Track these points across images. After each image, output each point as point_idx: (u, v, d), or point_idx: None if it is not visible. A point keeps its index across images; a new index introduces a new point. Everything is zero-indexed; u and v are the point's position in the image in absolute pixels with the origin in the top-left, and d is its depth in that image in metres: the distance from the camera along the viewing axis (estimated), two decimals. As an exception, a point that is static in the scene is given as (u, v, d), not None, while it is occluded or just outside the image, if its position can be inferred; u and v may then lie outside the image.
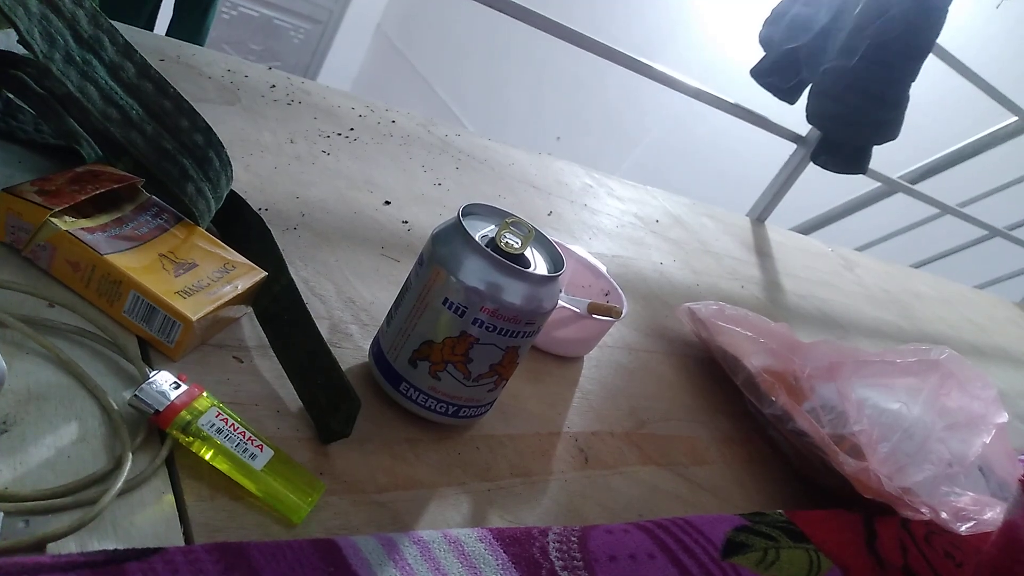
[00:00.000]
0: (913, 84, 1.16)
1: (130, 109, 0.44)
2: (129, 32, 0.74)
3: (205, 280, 0.45)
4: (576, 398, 0.61)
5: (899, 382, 0.75)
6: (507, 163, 0.99)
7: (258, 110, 0.75)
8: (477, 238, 0.46)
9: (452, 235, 0.46)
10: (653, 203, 1.17)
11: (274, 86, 0.81)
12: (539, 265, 0.48)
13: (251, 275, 0.48)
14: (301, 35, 4.40)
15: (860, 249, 2.11)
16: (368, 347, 0.52)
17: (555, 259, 0.49)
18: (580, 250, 0.72)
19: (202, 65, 0.77)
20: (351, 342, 0.53)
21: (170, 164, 0.46)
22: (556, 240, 0.71)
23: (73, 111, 0.43)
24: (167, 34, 1.10)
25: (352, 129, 0.82)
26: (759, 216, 1.38)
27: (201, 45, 1.11)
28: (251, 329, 0.49)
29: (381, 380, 0.49)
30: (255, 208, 0.59)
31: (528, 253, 0.48)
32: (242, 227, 0.53)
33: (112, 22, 0.47)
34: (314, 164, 0.72)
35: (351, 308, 0.56)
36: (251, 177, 0.64)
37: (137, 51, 0.45)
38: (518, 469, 0.50)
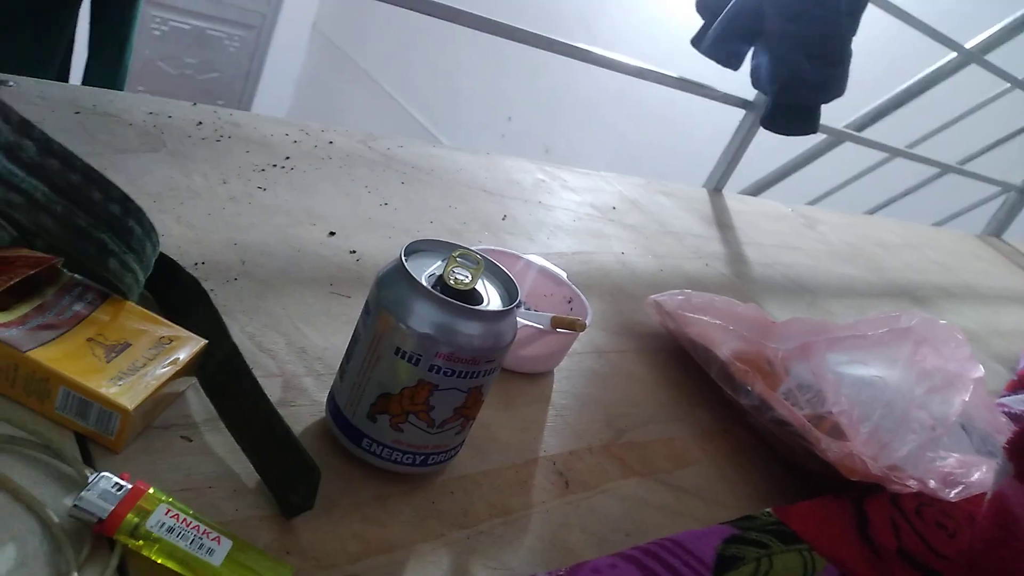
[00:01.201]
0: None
1: (34, 190, 0.41)
2: (39, 86, 0.70)
3: (140, 360, 0.43)
4: (550, 417, 0.60)
5: (873, 353, 0.74)
6: (455, 169, 0.96)
7: (186, 152, 0.72)
8: (424, 278, 0.44)
9: (396, 279, 0.44)
10: (608, 189, 1.15)
11: (200, 123, 0.77)
12: (492, 297, 0.46)
13: (190, 345, 0.45)
14: (236, 43, 4.31)
15: (815, 201, 2.12)
16: (324, 400, 0.50)
17: (509, 287, 0.47)
18: (538, 258, 0.70)
19: (121, 111, 0.73)
20: (306, 397, 0.51)
21: (87, 242, 0.43)
22: (512, 251, 0.69)
23: (-27, 200, 0.40)
24: (84, 78, 1.05)
25: (288, 158, 0.79)
26: (716, 186, 1.37)
27: (122, 85, 1.07)
28: (198, 402, 0.46)
29: (341, 437, 0.46)
30: (191, 263, 0.57)
31: (480, 286, 0.46)
32: (177, 291, 0.50)
33: (7, 97, 0.43)
34: (250, 203, 0.69)
35: (303, 359, 0.54)
36: (184, 229, 0.61)
37: (35, 127, 0.41)
38: (497, 508, 0.49)
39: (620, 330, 0.76)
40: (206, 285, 0.54)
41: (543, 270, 0.69)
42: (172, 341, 0.45)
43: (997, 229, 2.17)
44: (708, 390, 0.71)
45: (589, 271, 0.86)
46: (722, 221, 1.24)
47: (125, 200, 0.45)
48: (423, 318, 0.42)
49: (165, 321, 0.46)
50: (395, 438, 0.45)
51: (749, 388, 0.66)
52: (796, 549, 0.50)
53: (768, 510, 0.54)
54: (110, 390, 0.40)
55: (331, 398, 0.48)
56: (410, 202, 0.83)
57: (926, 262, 1.58)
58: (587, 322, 0.62)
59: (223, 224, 0.64)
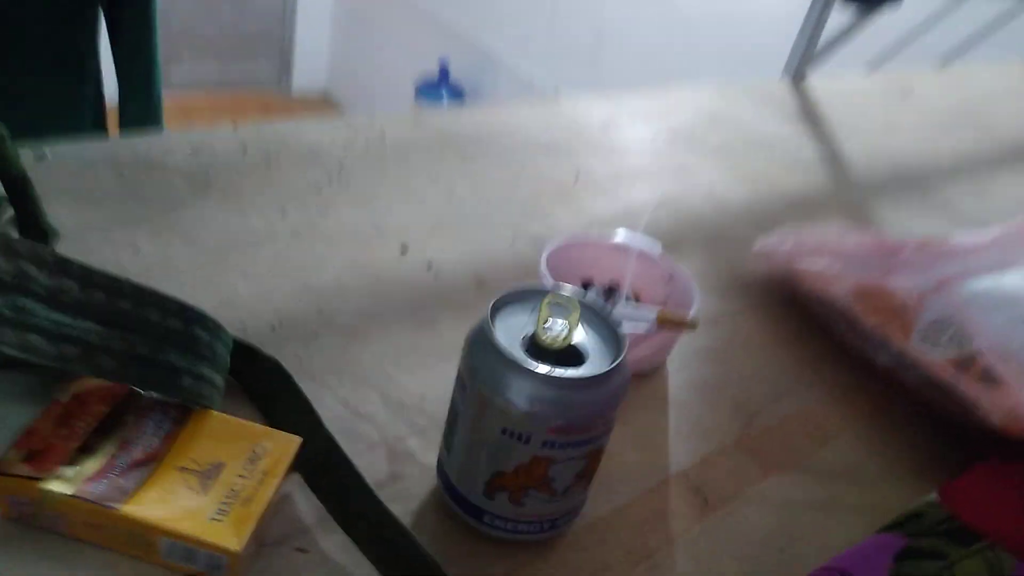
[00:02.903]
0: None
1: (87, 335, 0.38)
2: (75, 148, 0.67)
3: (237, 483, 0.40)
4: (672, 420, 0.55)
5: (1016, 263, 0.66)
6: (512, 130, 0.89)
7: (237, 189, 0.68)
8: (518, 343, 0.39)
9: (486, 348, 0.39)
10: (681, 107, 1.06)
11: (246, 150, 0.73)
12: (593, 347, 0.41)
13: (285, 448, 0.42)
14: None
15: (891, 55, 1.93)
16: (433, 462, 0.46)
17: (611, 327, 0.42)
18: (629, 235, 0.64)
19: (163, 155, 0.69)
20: (414, 463, 0.47)
21: (153, 370, 0.40)
22: (595, 240, 0.63)
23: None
24: (120, 115, 1.01)
25: (342, 168, 0.74)
26: (795, 73, 1.25)
27: (159, 112, 1.03)
28: (305, 501, 0.43)
29: (460, 513, 0.43)
30: (268, 328, 0.54)
31: (579, 333, 0.41)
32: (260, 376, 0.47)
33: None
34: (314, 233, 0.65)
35: (403, 415, 0.50)
36: (252, 286, 0.57)
37: (72, 262, 0.38)
38: (636, 552, 0.45)
39: (727, 287, 0.70)
40: (287, 350, 0.51)
41: (634, 251, 0.63)
42: (265, 447, 0.42)
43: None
44: (833, 343, 0.65)
45: (679, 222, 0.79)
46: (812, 115, 1.14)
47: (183, 310, 0.41)
48: (524, 394, 0.38)
49: (252, 426, 0.43)
50: (517, 512, 0.41)
51: (885, 344, 0.59)
52: (977, 550, 0.44)
53: (933, 497, 0.48)
54: (213, 533, 0.37)
55: (440, 468, 0.44)
56: (474, 185, 0.77)
57: (1042, 105, 1.42)
58: (693, 311, 0.56)
59: (291, 268, 0.60)
